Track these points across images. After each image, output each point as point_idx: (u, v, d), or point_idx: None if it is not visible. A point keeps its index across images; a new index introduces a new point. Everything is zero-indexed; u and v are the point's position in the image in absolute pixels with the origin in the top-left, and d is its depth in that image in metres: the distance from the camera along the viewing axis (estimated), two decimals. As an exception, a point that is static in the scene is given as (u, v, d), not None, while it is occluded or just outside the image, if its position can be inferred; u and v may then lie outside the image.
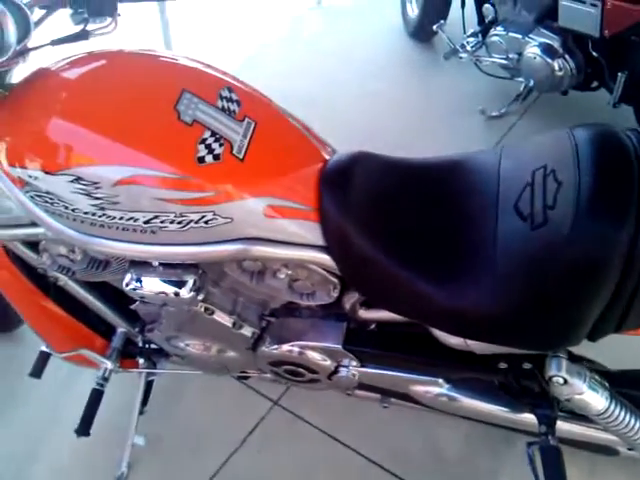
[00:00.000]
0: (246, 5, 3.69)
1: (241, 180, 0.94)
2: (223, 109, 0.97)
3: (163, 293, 1.06)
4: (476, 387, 1.14)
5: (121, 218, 0.94)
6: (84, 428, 1.30)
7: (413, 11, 3.10)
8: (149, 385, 1.49)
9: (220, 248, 0.97)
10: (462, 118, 2.56)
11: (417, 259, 0.96)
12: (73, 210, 0.95)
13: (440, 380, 1.14)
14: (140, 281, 1.07)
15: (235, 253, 0.98)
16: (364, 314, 1.13)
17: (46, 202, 0.96)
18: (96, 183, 0.91)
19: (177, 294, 1.05)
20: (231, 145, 0.94)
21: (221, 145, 0.93)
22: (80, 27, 1.07)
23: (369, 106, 2.62)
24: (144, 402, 1.46)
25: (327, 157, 1.05)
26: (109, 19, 1.09)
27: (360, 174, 1.02)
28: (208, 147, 0.93)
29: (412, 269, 0.94)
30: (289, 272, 1.06)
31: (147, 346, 1.43)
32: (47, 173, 0.93)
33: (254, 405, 1.57)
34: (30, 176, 0.95)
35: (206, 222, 0.94)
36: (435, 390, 1.16)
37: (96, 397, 1.34)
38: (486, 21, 2.59)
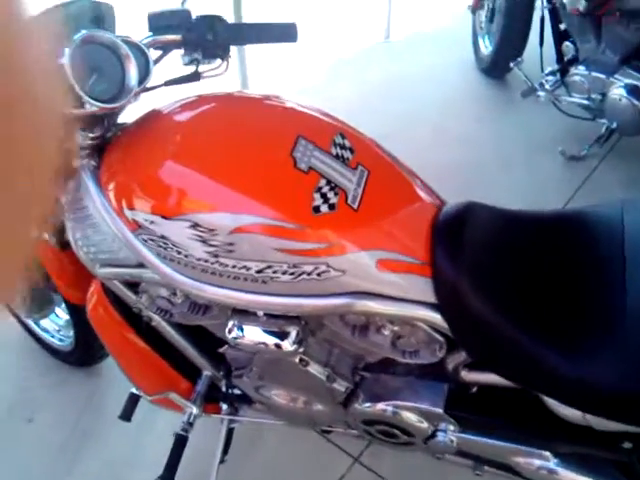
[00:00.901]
0: (312, 40, 3.73)
1: (355, 231, 0.92)
2: (337, 156, 0.95)
3: (264, 344, 1.03)
4: (588, 463, 1.05)
5: (234, 266, 0.93)
6: (168, 475, 1.28)
7: (486, 47, 3.06)
8: (230, 432, 1.45)
9: (329, 301, 0.94)
10: (541, 158, 2.49)
11: (536, 321, 0.90)
12: (186, 256, 0.94)
13: (547, 453, 1.06)
14: (242, 329, 1.04)
15: (344, 307, 0.95)
16: (468, 376, 1.06)
17: (159, 246, 0.96)
18: (213, 230, 0.90)
19: (279, 345, 1.02)
20: (346, 194, 0.92)
21: (336, 194, 0.91)
22: (191, 68, 1.08)
23: (443, 142, 2.58)
24: (225, 450, 1.42)
25: (437, 207, 1.02)
26: (221, 61, 1.09)
27: (473, 226, 0.98)
28: (324, 196, 0.91)
29: (531, 332, 0.89)
30: (394, 328, 1.01)
31: (230, 391, 1.40)
32: (164, 218, 0.93)
33: (334, 461, 1.51)
34: (146, 220, 0.94)
35: (319, 274, 0.91)
36: (540, 463, 1.07)
37: (180, 443, 1.32)
38: (565, 59, 2.53)
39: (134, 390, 1.35)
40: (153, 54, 1.01)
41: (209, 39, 1.02)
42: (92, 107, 0.90)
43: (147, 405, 1.38)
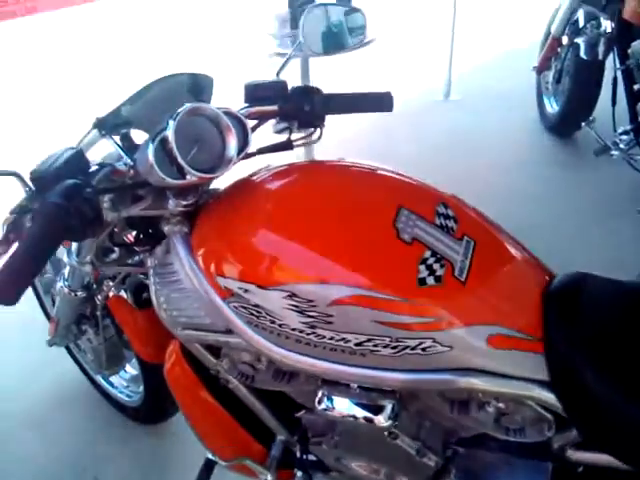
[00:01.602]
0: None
1: (464, 305, 0.87)
2: (442, 227, 0.91)
3: (356, 417, 0.98)
4: None
5: (331, 338, 0.89)
6: None
7: (552, 107, 3.04)
8: (304, 500, 1.38)
9: (433, 377, 0.89)
10: (618, 220, 2.41)
11: None
12: (280, 325, 0.91)
13: None
14: (332, 400, 1.00)
15: (449, 383, 0.89)
16: (575, 455, 0.99)
17: (251, 314, 0.93)
18: (311, 301, 0.87)
19: (372, 420, 0.97)
20: (452, 266, 0.88)
21: (442, 266, 0.87)
22: (281, 136, 1.08)
23: (514, 204, 2.52)
24: (298, 521, 1.35)
25: (546, 278, 0.96)
26: (313, 129, 1.09)
27: (586, 299, 0.92)
28: (429, 268, 0.86)
29: None
30: (499, 405, 0.95)
31: (305, 457, 1.34)
32: (259, 287, 0.90)
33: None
34: (240, 288, 0.92)
35: (423, 349, 0.86)
36: None
37: None
38: (639, 119, 2.47)
39: (210, 456, 1.30)
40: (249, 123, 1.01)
41: (306, 110, 1.02)
42: (192, 177, 0.90)
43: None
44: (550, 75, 2.98)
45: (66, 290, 1.31)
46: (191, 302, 1.05)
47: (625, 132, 2.49)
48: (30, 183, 0.89)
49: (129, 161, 0.96)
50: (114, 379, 1.77)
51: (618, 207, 2.47)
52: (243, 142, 0.96)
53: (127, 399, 1.73)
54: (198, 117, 0.91)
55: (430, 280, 0.86)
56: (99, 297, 1.34)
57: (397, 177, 1.02)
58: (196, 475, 1.28)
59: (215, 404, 1.27)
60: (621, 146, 2.44)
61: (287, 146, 1.07)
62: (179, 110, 0.88)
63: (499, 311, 0.89)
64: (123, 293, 1.39)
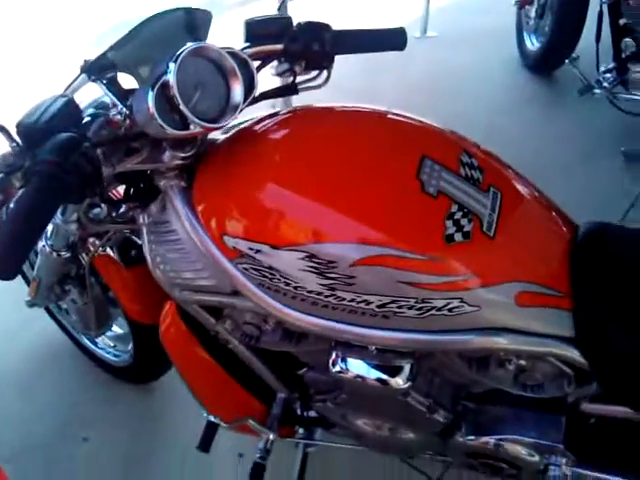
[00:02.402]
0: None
1: (492, 262, 0.82)
2: (467, 178, 0.86)
3: (371, 380, 0.94)
4: None
5: (352, 300, 0.84)
6: None
7: (533, 44, 2.96)
8: (305, 457, 1.37)
9: (460, 338, 0.85)
10: (600, 160, 2.39)
11: None
12: (296, 288, 0.85)
13: None
14: (346, 362, 0.95)
15: (476, 343, 0.85)
16: (589, 408, 0.98)
17: (264, 277, 0.87)
18: (331, 262, 0.81)
19: (388, 382, 0.93)
20: (480, 221, 0.82)
21: (470, 221, 0.82)
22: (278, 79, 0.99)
23: (494, 144, 2.46)
24: (301, 476, 1.34)
25: (572, 230, 0.92)
26: (318, 71, 1.00)
27: (613, 252, 0.89)
28: (456, 223, 0.81)
29: None
30: (520, 362, 0.92)
31: (307, 414, 1.32)
32: (273, 247, 0.83)
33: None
34: (250, 248, 0.85)
35: (450, 309, 0.82)
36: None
37: (259, 472, 1.23)
38: (624, 56, 2.42)
39: (212, 418, 1.26)
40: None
41: (314, 49, 0.92)
42: (197, 128, 0.81)
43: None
44: (532, 10, 2.88)
45: (48, 250, 1.21)
46: (192, 263, 0.98)
47: (608, 70, 2.43)
48: (17, 137, 0.78)
49: (124, 109, 0.86)
50: (99, 339, 1.70)
51: (602, 147, 2.44)
52: (249, 86, 0.87)
53: (114, 359, 1.67)
54: (200, 59, 0.82)
55: (458, 236, 0.81)
56: (84, 256, 1.25)
57: (415, 122, 0.95)
58: (199, 438, 1.24)
59: (215, 365, 1.22)
60: (604, 85, 2.39)
61: (292, 90, 0.98)
62: (180, 51, 0.78)
63: (527, 267, 0.85)
64: (109, 250, 1.30)
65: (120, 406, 1.65)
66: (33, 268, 1.35)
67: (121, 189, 1.06)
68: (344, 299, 0.84)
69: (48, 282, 1.32)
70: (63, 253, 1.22)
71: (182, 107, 0.79)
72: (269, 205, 0.85)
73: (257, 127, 0.95)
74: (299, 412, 1.31)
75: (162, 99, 0.79)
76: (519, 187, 0.92)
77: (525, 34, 3.02)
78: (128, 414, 1.63)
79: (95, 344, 1.71)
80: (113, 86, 0.94)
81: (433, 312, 0.82)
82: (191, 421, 1.40)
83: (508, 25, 3.14)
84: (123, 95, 0.94)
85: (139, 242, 1.13)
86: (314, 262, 0.82)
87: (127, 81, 0.96)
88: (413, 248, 0.80)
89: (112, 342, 1.69)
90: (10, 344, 1.82)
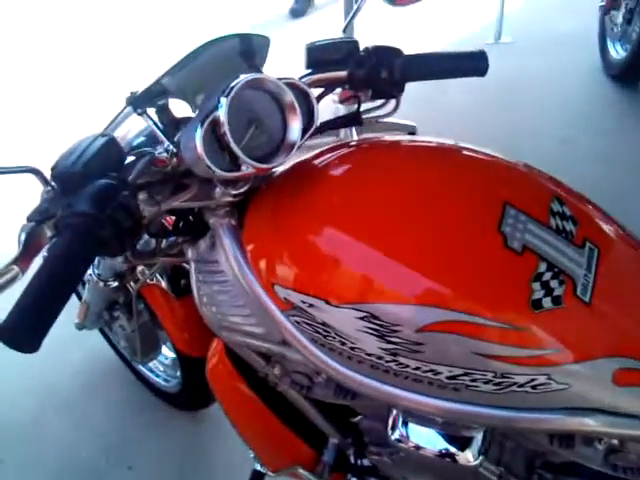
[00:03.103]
0: (416, 41, 3.45)
1: (588, 333, 0.70)
2: (558, 230, 0.73)
3: (437, 452, 0.83)
4: None
5: (417, 368, 0.73)
6: None
7: (618, 52, 2.75)
8: (355, 508, 1.26)
9: (542, 417, 0.73)
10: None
11: None
12: (352, 349, 0.75)
13: None
14: (407, 427, 0.85)
15: (559, 424, 0.73)
16: None
17: (317, 332, 0.77)
18: (395, 325, 0.70)
19: (456, 456, 0.82)
20: (574, 283, 0.70)
21: (561, 283, 0.69)
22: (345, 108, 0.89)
23: (574, 160, 2.29)
24: (351, 528, 1.23)
25: None
26: (387, 100, 0.89)
27: None
28: (545, 286, 0.69)
29: None
30: (613, 442, 0.79)
31: (360, 462, 1.22)
32: (330, 304, 0.73)
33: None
34: (303, 302, 0.76)
35: (534, 387, 0.70)
36: None
37: None
38: None
39: (258, 467, 1.18)
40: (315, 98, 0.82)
41: (383, 77, 0.82)
42: (249, 168, 0.72)
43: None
44: (619, 15, 2.67)
45: (96, 279, 1.16)
46: (240, 307, 0.90)
47: None
48: (52, 181, 0.72)
49: (171, 147, 0.79)
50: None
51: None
52: (308, 119, 0.78)
53: (164, 383, 1.61)
54: (254, 91, 0.73)
55: (547, 302, 0.68)
56: (132, 284, 1.20)
57: (495, 160, 0.82)
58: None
59: (263, 408, 1.13)
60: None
61: (356, 120, 0.88)
62: (232, 83, 0.70)
63: (629, 339, 0.71)
64: (158, 277, 1.24)
65: (167, 433, 1.60)
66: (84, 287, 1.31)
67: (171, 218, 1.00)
68: (408, 366, 0.73)
69: (96, 308, 1.27)
70: (110, 282, 1.16)
71: (233, 147, 0.70)
72: (326, 254, 0.76)
73: (317, 161, 0.86)
74: (352, 460, 1.21)
75: (212, 136, 0.71)
76: (619, 241, 0.78)
77: (609, 41, 2.80)
78: (175, 443, 1.57)
79: (147, 367, 1.66)
80: (163, 114, 0.87)
81: (513, 388, 0.70)
82: (237, 457, 1.34)
83: (589, 30, 2.93)
84: (174, 124, 0.87)
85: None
86: (375, 323, 0.72)
87: (180, 107, 0.89)
88: (493, 314, 0.68)
89: (162, 366, 1.64)
90: (61, 360, 1.80)
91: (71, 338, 1.74)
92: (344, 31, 0.90)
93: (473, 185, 0.77)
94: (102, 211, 0.62)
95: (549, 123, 2.56)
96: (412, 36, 3.20)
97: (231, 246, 0.85)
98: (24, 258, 0.67)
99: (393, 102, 0.90)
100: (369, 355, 0.75)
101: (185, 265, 1.21)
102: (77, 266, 0.59)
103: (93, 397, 1.70)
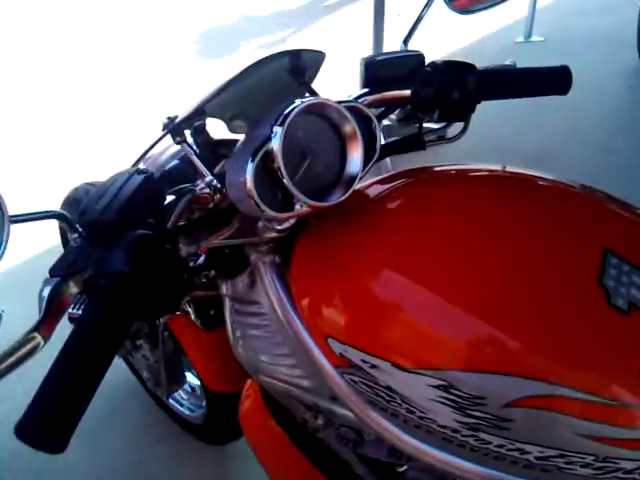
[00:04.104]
0: (446, 37, 3.30)
1: None
2: None
3: None
4: None
5: (500, 446, 0.61)
6: None
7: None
8: None
9: None
10: None
11: None
12: (422, 418, 0.64)
13: None
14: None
15: None
16: None
17: (378, 395, 0.67)
18: (479, 398, 0.59)
19: None
20: None
21: None
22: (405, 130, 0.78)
23: (614, 166, 2.15)
24: None
25: None
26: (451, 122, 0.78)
27: None
28: (659, 354, 0.57)
29: None
30: None
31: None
32: (398, 367, 0.62)
33: None
34: (365, 362, 0.65)
35: (642, 473, 0.58)
36: None
37: None
38: None
39: None
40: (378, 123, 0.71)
41: (454, 97, 0.70)
42: (303, 207, 0.61)
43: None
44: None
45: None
46: (283, 357, 0.80)
47: None
48: (80, 228, 0.61)
49: (214, 181, 0.68)
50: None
51: None
52: (368, 147, 0.67)
53: (189, 413, 1.51)
54: (311, 117, 0.62)
55: None
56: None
57: (583, 193, 0.71)
58: None
59: (301, 457, 1.03)
60: None
61: (417, 145, 0.76)
62: (288, 109, 0.59)
63: None
64: (186, 305, 1.14)
65: (189, 467, 1.49)
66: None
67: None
68: (489, 443, 0.62)
69: (118, 337, 1.17)
70: None
71: (288, 184, 0.60)
72: (395, 306, 0.65)
73: (376, 191, 0.75)
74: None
75: (261, 170, 0.60)
76: None
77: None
78: (197, 476, 1.46)
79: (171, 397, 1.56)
80: (199, 135, 0.76)
81: (618, 475, 0.59)
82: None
83: (625, 28, 2.77)
84: (211, 146, 0.76)
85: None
86: (453, 394, 0.60)
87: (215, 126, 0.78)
88: (596, 389, 0.57)
89: (186, 395, 1.53)
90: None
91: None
92: (405, 42, 0.78)
93: (564, 225, 0.66)
94: (140, 270, 0.51)
95: (583, 130, 2.42)
96: (436, 32, 3.06)
97: (275, 287, 0.75)
98: (47, 322, 0.57)
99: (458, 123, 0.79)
100: (442, 427, 0.64)
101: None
102: (111, 340, 0.49)
103: (111, 423, 1.60)
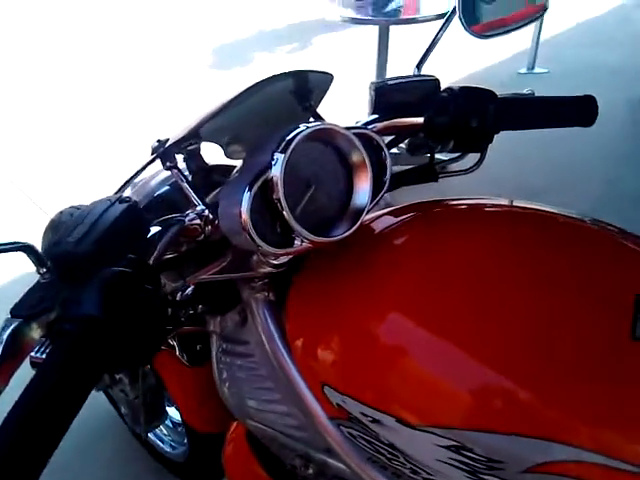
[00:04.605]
0: (444, 66, 3.28)
1: None
2: None
3: None
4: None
5: (517, 517, 0.54)
6: None
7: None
8: None
9: None
10: None
11: None
12: (427, 480, 0.57)
13: None
14: None
15: None
16: None
17: (378, 453, 0.60)
18: (496, 462, 0.52)
19: None
20: None
21: None
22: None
23: (619, 203, 2.12)
24: None
25: None
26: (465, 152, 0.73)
27: None
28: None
29: None
30: None
31: None
32: (401, 423, 0.56)
33: None
34: (364, 415, 0.58)
35: None
36: None
37: None
38: None
39: None
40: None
41: (472, 126, 0.65)
42: (304, 243, 0.55)
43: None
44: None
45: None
46: (274, 403, 0.73)
47: None
48: (49, 262, 0.55)
49: (205, 211, 0.62)
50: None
51: None
52: (377, 178, 0.61)
53: (170, 450, 1.42)
54: (316, 144, 0.56)
55: None
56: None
57: (609, 232, 0.65)
58: None
59: None
60: None
61: (429, 176, 0.71)
62: (291, 135, 0.53)
63: None
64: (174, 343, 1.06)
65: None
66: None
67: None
68: (507, 511, 0.55)
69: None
70: None
71: (289, 218, 0.54)
72: (400, 355, 0.58)
73: (382, 226, 0.69)
74: None
75: (259, 200, 0.54)
76: None
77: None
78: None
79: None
80: (193, 160, 0.70)
81: None
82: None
83: (630, 60, 2.76)
84: (204, 173, 0.70)
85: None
86: (466, 456, 0.54)
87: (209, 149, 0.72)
88: (625, 455, 0.50)
89: (167, 430, 1.44)
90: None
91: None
92: (418, 67, 0.73)
93: (588, 269, 0.60)
94: (113, 314, 0.44)
95: (588, 162, 2.38)
96: (439, 62, 3.05)
97: (268, 327, 0.68)
98: (3, 368, 0.49)
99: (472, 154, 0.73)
100: (452, 492, 0.57)
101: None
102: (75, 393, 0.42)
103: (86, 458, 1.50)
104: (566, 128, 0.73)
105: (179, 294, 0.82)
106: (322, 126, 0.55)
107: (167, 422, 1.41)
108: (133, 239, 0.54)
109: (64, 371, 0.41)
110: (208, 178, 0.70)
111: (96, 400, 1.51)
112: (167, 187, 0.79)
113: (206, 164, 0.71)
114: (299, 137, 0.53)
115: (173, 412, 1.37)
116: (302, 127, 0.54)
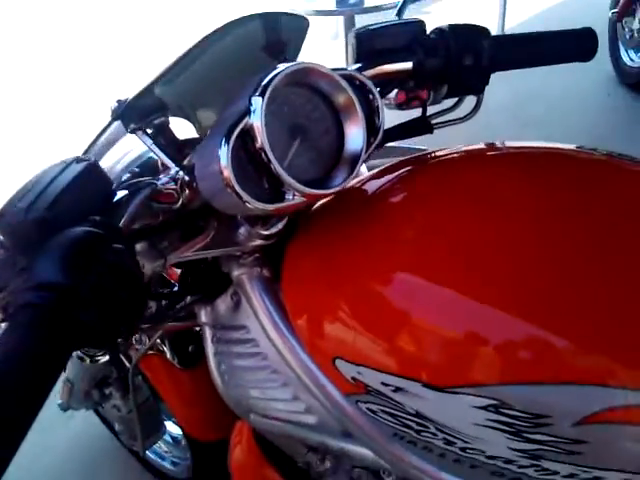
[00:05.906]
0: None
1: None
2: None
3: None
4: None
5: (570, 476, 0.49)
6: None
7: (632, 60, 2.61)
8: None
9: None
10: None
11: None
12: (463, 449, 0.51)
13: None
14: None
15: None
16: None
17: (404, 426, 0.54)
18: (541, 417, 0.46)
19: None
20: None
21: None
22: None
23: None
24: None
25: None
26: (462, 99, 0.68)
27: None
28: None
29: None
30: None
31: None
32: (428, 387, 0.49)
33: None
34: (385, 384, 0.52)
35: None
36: None
37: None
38: None
39: None
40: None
41: (466, 64, 0.59)
42: (296, 197, 0.49)
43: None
44: (635, 22, 2.53)
45: (80, 353, 0.91)
46: (279, 389, 0.67)
47: None
48: (0, 235, 0.48)
49: (180, 174, 0.55)
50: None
51: None
52: (369, 126, 0.55)
53: (171, 467, 1.33)
54: (298, 89, 0.50)
55: None
56: (129, 355, 0.95)
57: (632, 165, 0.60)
58: None
59: None
60: None
61: (423, 129, 0.65)
62: (269, 77, 0.47)
63: None
64: (159, 342, 0.99)
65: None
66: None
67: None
68: (555, 473, 0.49)
69: (83, 388, 1.01)
70: (99, 357, 0.91)
71: (276, 167, 0.47)
72: (417, 313, 0.52)
73: (377, 184, 0.63)
74: None
75: (240, 155, 0.48)
76: None
77: (622, 49, 2.67)
78: None
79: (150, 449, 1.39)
80: (162, 135, 0.63)
81: None
82: None
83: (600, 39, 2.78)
84: (178, 149, 0.64)
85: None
86: (505, 415, 0.48)
87: (183, 129, 0.66)
88: None
89: (167, 446, 1.36)
90: (46, 440, 1.51)
91: (55, 417, 1.47)
92: (398, 15, 0.68)
93: (620, 204, 0.54)
94: (82, 279, 0.38)
95: (563, 140, 2.38)
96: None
97: (265, 306, 0.62)
98: None
99: (468, 100, 0.68)
100: (492, 458, 0.51)
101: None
102: (42, 374, 0.35)
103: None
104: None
105: (163, 288, 0.75)
106: (303, 65, 0.49)
107: (167, 437, 1.33)
108: (95, 201, 0.48)
109: (25, 348, 0.34)
110: (181, 153, 0.64)
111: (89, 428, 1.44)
112: (137, 170, 0.72)
113: (177, 139, 0.65)
114: (278, 77, 0.47)
115: (171, 426, 1.29)
116: (281, 67, 0.48)
